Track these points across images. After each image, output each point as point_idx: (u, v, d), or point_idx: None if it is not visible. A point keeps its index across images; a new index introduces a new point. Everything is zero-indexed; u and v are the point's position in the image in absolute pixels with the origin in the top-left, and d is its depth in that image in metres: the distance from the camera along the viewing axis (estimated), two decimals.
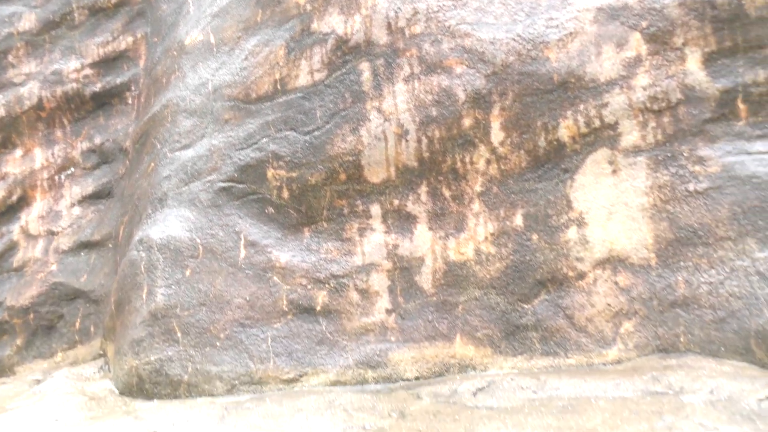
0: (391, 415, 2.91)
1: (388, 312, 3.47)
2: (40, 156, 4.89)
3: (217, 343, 3.51)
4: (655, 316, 3.11)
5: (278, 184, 3.63)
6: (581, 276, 3.25)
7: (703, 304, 3.03)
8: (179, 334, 3.54)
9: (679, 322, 3.06)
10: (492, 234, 3.38)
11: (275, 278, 3.57)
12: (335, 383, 3.42)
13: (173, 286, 3.60)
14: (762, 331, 2.89)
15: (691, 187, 3.11)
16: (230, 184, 3.70)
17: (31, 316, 4.52)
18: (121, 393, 3.59)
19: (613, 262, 3.21)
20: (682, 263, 3.10)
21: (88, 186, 4.75)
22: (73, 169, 4.83)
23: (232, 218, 3.68)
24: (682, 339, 3.06)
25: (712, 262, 3.04)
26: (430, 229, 3.47)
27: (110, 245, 4.54)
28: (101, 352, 4.16)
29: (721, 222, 3.03)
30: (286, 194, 3.62)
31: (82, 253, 4.60)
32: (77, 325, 4.47)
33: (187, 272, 3.62)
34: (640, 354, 3.14)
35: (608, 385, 2.87)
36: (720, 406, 2.56)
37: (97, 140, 4.81)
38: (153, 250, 3.68)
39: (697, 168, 3.11)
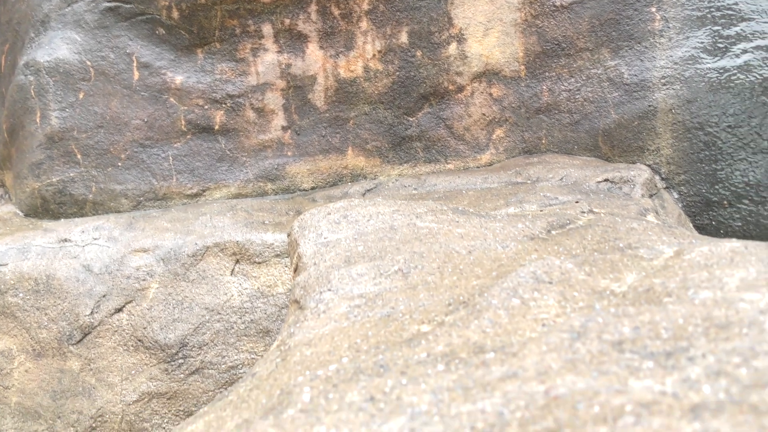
0: (288, 213, 3.24)
1: (284, 129, 3.68)
2: None
3: (119, 164, 3.64)
4: (523, 122, 3.51)
5: (167, 3, 3.59)
6: (460, 89, 3.56)
7: (562, 109, 3.45)
8: (79, 156, 3.63)
9: (542, 126, 3.48)
10: (379, 51, 3.58)
11: (172, 99, 3.65)
12: (237, 196, 3.68)
13: (67, 110, 3.62)
14: (608, 130, 3.36)
15: (557, 2, 3.39)
16: (116, 4, 3.62)
17: None
18: (26, 215, 3.69)
19: (489, 75, 3.53)
20: (547, 74, 3.46)
21: None
22: None
23: (122, 40, 3.65)
24: (543, 141, 3.50)
25: (572, 71, 3.42)
26: (321, 47, 3.62)
27: None
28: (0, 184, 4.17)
29: (582, 34, 3.37)
30: (176, 14, 3.61)
31: None
32: None
33: (81, 95, 3.63)
34: (509, 156, 3.57)
35: (478, 180, 3.30)
36: (565, 187, 3.05)
37: None
38: (41, 74, 3.63)
39: None
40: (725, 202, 3.20)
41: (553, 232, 1.83)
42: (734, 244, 1.32)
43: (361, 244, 1.69)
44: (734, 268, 1.09)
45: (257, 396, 1.04)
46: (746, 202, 3.14)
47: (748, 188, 3.14)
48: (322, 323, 1.29)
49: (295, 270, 1.77)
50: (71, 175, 3.63)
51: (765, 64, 3.12)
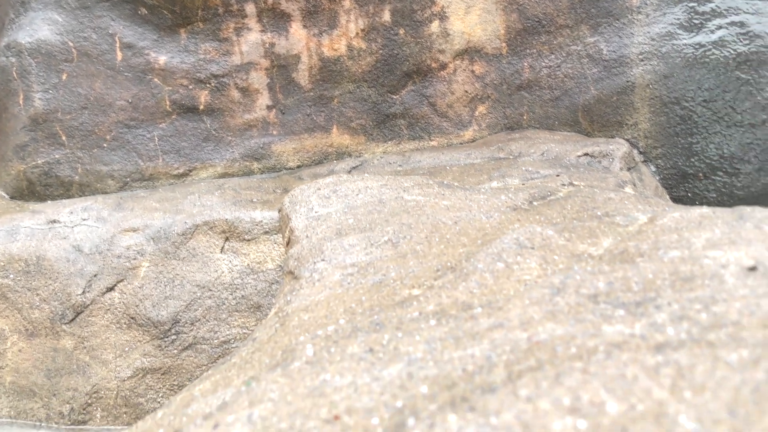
0: (275, 191, 3.28)
1: (269, 108, 3.71)
2: None
3: (105, 145, 3.65)
4: (505, 98, 3.58)
5: None
6: (443, 66, 3.62)
7: (543, 85, 3.52)
8: (64, 138, 3.63)
9: (524, 102, 3.55)
10: (362, 30, 3.61)
11: (156, 80, 3.66)
12: (223, 175, 3.72)
13: (51, 91, 3.61)
14: (587, 105, 3.44)
15: None
16: None
17: None
18: (12, 197, 3.70)
19: (471, 53, 3.58)
20: (528, 50, 3.52)
21: None
22: None
23: (104, 20, 3.64)
24: (525, 117, 3.57)
25: (552, 48, 3.48)
26: (305, 26, 3.64)
27: None
28: None
29: (562, 11, 3.43)
30: None
31: None
32: None
33: (64, 76, 3.63)
34: (491, 132, 3.64)
35: (461, 156, 3.37)
36: (546, 161, 3.13)
37: None
38: (23, 55, 3.61)
39: None
40: (700, 175, 3.31)
41: (535, 203, 1.91)
42: (703, 210, 1.40)
43: (351, 217, 1.75)
44: (701, 230, 1.18)
45: (260, 357, 1.10)
46: (721, 174, 3.25)
47: (722, 161, 3.25)
48: (317, 291, 1.36)
49: (288, 243, 1.83)
50: (56, 156, 3.64)
51: (739, 39, 3.21)
